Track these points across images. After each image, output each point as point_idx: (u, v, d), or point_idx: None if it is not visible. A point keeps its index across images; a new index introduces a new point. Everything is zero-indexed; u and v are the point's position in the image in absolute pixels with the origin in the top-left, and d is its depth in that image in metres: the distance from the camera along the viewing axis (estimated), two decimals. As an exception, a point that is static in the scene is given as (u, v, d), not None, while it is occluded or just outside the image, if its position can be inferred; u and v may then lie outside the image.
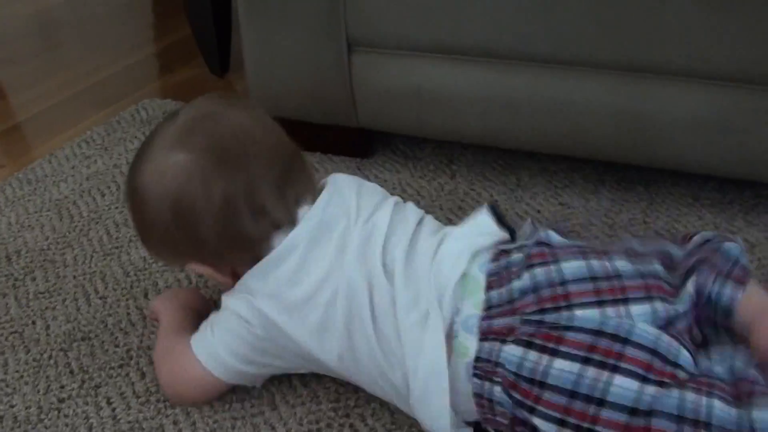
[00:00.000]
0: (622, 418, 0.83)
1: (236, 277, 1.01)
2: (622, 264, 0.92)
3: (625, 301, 0.88)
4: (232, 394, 1.06)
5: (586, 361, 0.85)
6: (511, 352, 0.88)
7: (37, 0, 2.56)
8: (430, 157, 1.53)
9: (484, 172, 1.47)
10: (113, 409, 1.06)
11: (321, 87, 1.46)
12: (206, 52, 1.96)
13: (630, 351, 0.85)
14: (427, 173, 1.49)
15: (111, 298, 1.24)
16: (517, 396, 0.87)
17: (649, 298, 0.88)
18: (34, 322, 1.21)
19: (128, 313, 1.21)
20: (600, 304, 0.88)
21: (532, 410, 0.87)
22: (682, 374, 0.85)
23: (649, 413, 0.82)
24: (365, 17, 1.36)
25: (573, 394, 0.85)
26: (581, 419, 0.84)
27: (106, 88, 1.98)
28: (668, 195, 1.38)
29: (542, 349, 0.87)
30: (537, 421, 0.86)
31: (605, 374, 0.84)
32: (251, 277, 0.98)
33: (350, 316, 0.94)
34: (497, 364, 0.89)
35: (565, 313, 0.88)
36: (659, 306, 0.88)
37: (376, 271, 0.95)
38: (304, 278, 0.96)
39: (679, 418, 0.82)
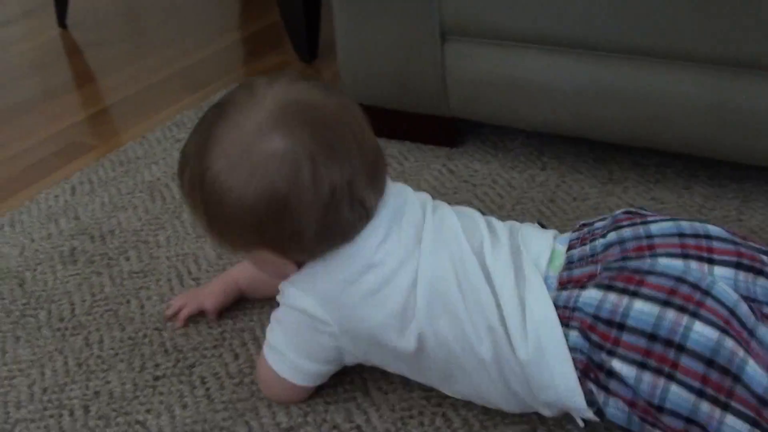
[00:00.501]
0: (700, 368, 0.82)
1: (299, 265, 0.97)
2: (715, 229, 0.90)
3: (711, 260, 0.86)
4: (324, 378, 1.07)
5: (665, 303, 0.84)
6: (590, 295, 0.87)
7: (125, -16, 2.61)
8: (520, 148, 1.52)
9: (575, 165, 1.46)
10: (207, 389, 1.07)
11: (413, 75, 1.46)
12: (295, 38, 1.97)
13: (710, 302, 0.83)
14: (518, 164, 1.48)
15: (204, 280, 1.25)
16: (596, 338, 0.86)
17: (737, 265, 0.86)
18: (128, 301, 1.23)
19: (221, 295, 1.22)
20: (685, 257, 0.87)
21: (611, 353, 0.85)
22: (757, 348, 0.83)
23: (727, 371, 0.81)
24: (460, 6, 1.36)
25: (653, 337, 0.83)
26: (662, 362, 0.83)
27: (195, 72, 2.01)
28: (763, 192, 1.35)
29: (622, 291, 0.86)
30: (616, 364, 0.85)
31: (685, 318, 0.82)
32: (330, 267, 0.95)
33: (436, 295, 0.92)
34: (574, 309, 0.88)
35: (648, 260, 0.87)
36: (742, 277, 0.86)
37: (463, 247, 0.94)
38: (385, 261, 0.93)
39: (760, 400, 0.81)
